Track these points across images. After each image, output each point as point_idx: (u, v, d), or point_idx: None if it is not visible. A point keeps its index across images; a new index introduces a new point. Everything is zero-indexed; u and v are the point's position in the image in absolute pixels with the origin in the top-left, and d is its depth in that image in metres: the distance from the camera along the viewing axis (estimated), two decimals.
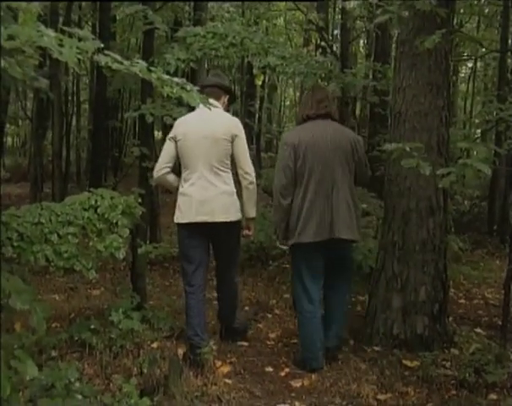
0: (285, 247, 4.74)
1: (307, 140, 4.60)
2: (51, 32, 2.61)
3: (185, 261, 4.86)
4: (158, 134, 17.87)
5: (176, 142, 4.80)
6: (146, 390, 3.88)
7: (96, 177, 12.15)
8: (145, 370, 4.12)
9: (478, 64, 18.90)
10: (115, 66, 2.79)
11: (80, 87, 18.22)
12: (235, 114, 10.44)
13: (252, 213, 4.95)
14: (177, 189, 4.88)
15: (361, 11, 12.86)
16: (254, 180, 4.92)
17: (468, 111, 19.64)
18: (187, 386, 4.05)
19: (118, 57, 2.82)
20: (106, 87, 12.19)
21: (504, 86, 10.39)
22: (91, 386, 3.81)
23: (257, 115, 21.54)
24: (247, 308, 6.11)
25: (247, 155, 4.89)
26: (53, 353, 4.40)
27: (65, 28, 2.99)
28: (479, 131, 13.24)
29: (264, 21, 16.64)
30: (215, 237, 4.82)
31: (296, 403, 4.05)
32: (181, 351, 4.71)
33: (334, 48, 11.96)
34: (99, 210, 4.36)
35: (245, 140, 4.89)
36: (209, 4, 13.98)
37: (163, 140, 16.71)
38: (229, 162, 4.81)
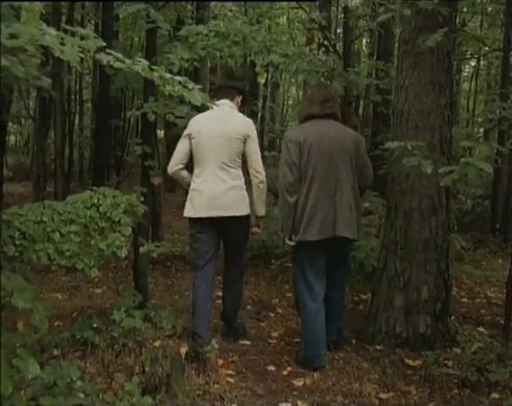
0: (292, 243, 4.71)
1: (312, 139, 4.62)
2: (52, 31, 2.60)
3: (195, 255, 4.95)
4: (160, 133, 17.89)
5: (190, 140, 4.95)
6: (148, 388, 3.89)
7: (99, 176, 12.15)
8: (147, 369, 4.13)
9: (481, 63, 18.89)
10: (117, 65, 2.79)
11: (83, 86, 18.21)
12: None
13: (261, 211, 5.11)
14: (189, 184, 5.00)
15: (363, 10, 12.85)
16: (265, 179, 5.02)
17: (471, 110, 19.61)
18: (189, 385, 4.05)
19: (120, 56, 2.82)
20: (108, 86, 12.19)
21: (507, 85, 10.38)
22: (93, 384, 3.81)
23: (260, 114, 21.51)
24: (249, 307, 6.11)
25: (259, 155, 5.02)
26: (55, 352, 4.41)
27: (67, 27, 2.99)
28: (482, 130, 13.23)
29: (267, 20, 16.60)
30: (224, 231, 4.94)
31: (299, 402, 4.05)
32: (183, 350, 4.70)
33: (337, 47, 11.95)
34: (101, 208, 4.35)
35: (257, 141, 5.03)
36: (212, 3, 14.00)
37: (165, 139, 16.72)
38: (240, 161, 4.94)
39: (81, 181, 16.02)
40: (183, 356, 4.52)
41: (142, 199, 4.70)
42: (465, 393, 4.21)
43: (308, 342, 4.72)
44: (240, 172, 4.96)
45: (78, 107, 17.43)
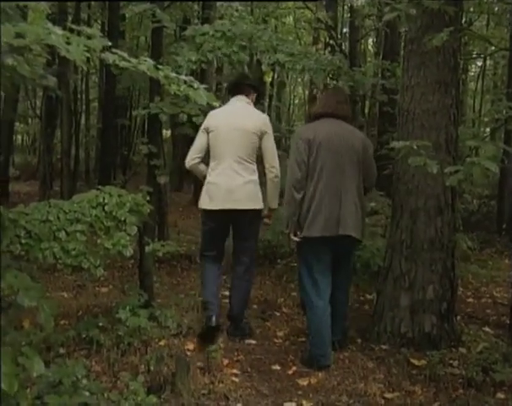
0: (296, 239, 4.73)
1: (322, 137, 4.67)
2: (58, 30, 2.61)
3: (206, 245, 5.30)
4: (166, 133, 17.90)
5: (208, 134, 5.15)
6: (153, 387, 3.89)
7: (105, 175, 12.17)
8: (152, 368, 4.13)
9: (488, 62, 18.86)
10: (122, 64, 2.80)
11: (89, 85, 18.23)
12: None
13: (274, 204, 5.35)
14: (205, 177, 5.19)
15: (369, 9, 12.84)
16: (279, 174, 5.20)
17: (477, 109, 19.58)
18: (195, 384, 4.05)
19: (126, 55, 2.82)
20: (115, 85, 12.20)
21: None
22: (98, 383, 3.82)
23: (266, 113, 21.53)
24: (255, 306, 6.10)
25: (275, 150, 5.22)
26: (61, 351, 4.41)
27: (73, 26, 3.00)
28: (488, 130, 13.20)
29: (273, 19, 16.61)
30: (237, 224, 5.16)
31: (304, 402, 4.04)
32: (188, 348, 4.72)
33: (343, 46, 11.95)
34: (107, 207, 4.36)
35: (272, 137, 5.22)
36: (218, 3, 13.97)
37: (172, 138, 16.70)
38: (255, 156, 5.16)
39: (87, 180, 16.05)
40: (190, 353, 4.53)
41: (148, 198, 4.70)
42: (470, 393, 4.20)
43: (315, 340, 4.71)
44: (255, 166, 5.17)
45: (84, 107, 17.46)
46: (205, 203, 5.11)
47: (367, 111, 16.09)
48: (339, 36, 13.93)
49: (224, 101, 5.54)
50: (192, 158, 5.22)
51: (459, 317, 5.56)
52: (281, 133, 24.47)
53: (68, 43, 2.62)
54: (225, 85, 12.95)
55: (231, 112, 5.17)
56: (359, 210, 4.70)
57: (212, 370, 4.34)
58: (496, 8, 14.46)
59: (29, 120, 21.23)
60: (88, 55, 2.74)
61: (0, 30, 2.47)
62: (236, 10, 15.09)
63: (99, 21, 16.39)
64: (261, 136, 5.11)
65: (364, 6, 12.36)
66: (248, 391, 4.17)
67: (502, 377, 4.27)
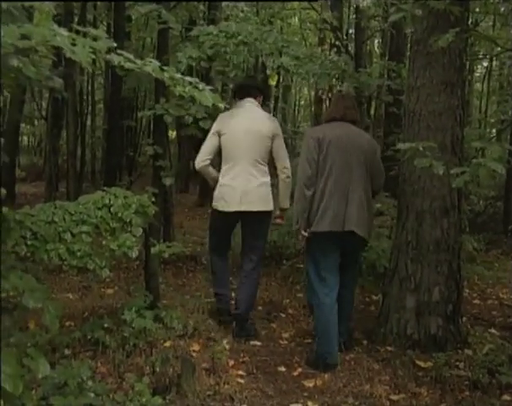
0: (306, 234, 4.78)
1: (331, 136, 4.77)
2: (64, 31, 2.61)
3: (216, 243, 5.55)
4: (172, 134, 17.88)
5: (219, 137, 5.27)
6: (158, 389, 3.89)
7: (111, 176, 12.18)
8: (158, 369, 4.13)
9: (493, 63, 18.80)
10: (127, 65, 2.79)
11: (95, 87, 18.25)
12: None
13: (286, 204, 5.49)
14: (217, 180, 5.34)
15: (375, 10, 12.83)
16: (291, 175, 5.39)
17: (483, 110, 19.53)
18: (200, 386, 4.05)
19: (131, 57, 2.82)
20: (120, 87, 12.21)
21: None
22: (104, 384, 3.82)
23: (271, 114, 21.51)
24: (260, 307, 6.09)
25: (286, 151, 5.42)
26: (66, 352, 4.41)
27: (79, 27, 3.00)
28: (494, 131, 13.17)
29: (279, 21, 16.61)
30: (249, 223, 5.31)
31: (309, 403, 4.04)
32: (194, 349, 4.71)
33: (349, 48, 11.93)
34: (112, 209, 4.35)
35: (283, 138, 5.44)
36: (224, 3, 13.99)
37: (177, 139, 16.70)
38: (267, 158, 5.31)
39: (93, 181, 16.06)
40: (194, 354, 4.52)
41: (153, 199, 4.70)
42: (476, 395, 4.20)
43: (322, 339, 4.72)
44: (267, 169, 5.33)
45: (90, 108, 17.46)
46: (221, 205, 5.25)
47: (372, 112, 16.07)
48: (345, 37, 13.92)
49: (229, 103, 5.54)
50: (202, 160, 5.32)
51: (465, 319, 5.54)
52: (287, 134, 24.48)
53: (74, 44, 2.63)
54: (230, 86, 12.93)
55: (243, 115, 5.27)
56: (365, 208, 4.75)
57: (217, 372, 4.34)
58: (502, 9, 14.42)
59: (35, 121, 21.27)
60: (93, 56, 2.74)
61: (0, 30, 2.47)
62: (242, 11, 15.13)
63: (105, 22, 16.40)
64: (273, 138, 5.27)
65: (370, 7, 12.35)
66: (254, 392, 4.17)
67: (508, 379, 4.26)
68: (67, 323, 5.14)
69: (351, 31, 18.29)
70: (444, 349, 4.85)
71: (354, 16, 15.16)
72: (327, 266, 4.80)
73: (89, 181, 15.75)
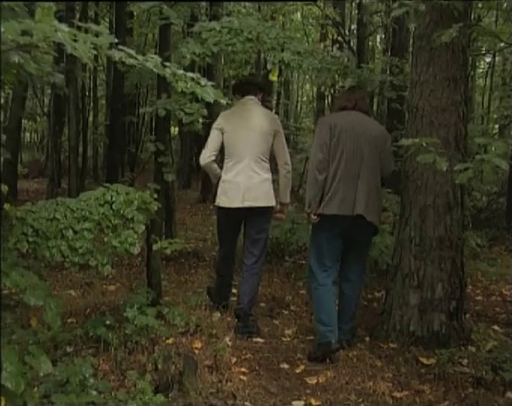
0: (316, 218, 4.88)
1: (343, 123, 4.89)
2: (65, 27, 2.60)
3: (223, 236, 5.67)
4: (174, 130, 17.89)
5: (223, 133, 5.37)
6: (161, 386, 3.87)
7: (113, 172, 12.19)
8: (160, 367, 4.11)
9: (496, 59, 18.75)
10: (129, 61, 2.78)
11: (97, 83, 18.25)
12: None
13: (287, 199, 5.65)
14: (219, 176, 5.45)
15: (377, 6, 12.79)
16: (291, 171, 5.56)
17: (486, 106, 19.48)
18: (202, 383, 4.03)
19: (132, 53, 2.81)
20: (122, 83, 12.21)
21: None
22: (106, 382, 3.81)
23: (273, 111, 21.48)
24: (263, 304, 6.08)
25: (286, 148, 5.54)
26: (68, 349, 4.39)
27: (80, 23, 2.99)
28: (497, 126, 13.14)
29: (281, 17, 16.58)
30: (252, 219, 5.40)
31: (312, 400, 4.03)
32: (196, 346, 4.70)
33: (351, 43, 11.90)
34: (114, 205, 4.34)
35: (283, 135, 5.54)
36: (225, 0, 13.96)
37: (179, 136, 16.70)
38: (269, 154, 5.42)
39: (96, 178, 16.07)
40: (196, 352, 4.51)
41: (155, 196, 4.69)
42: (479, 392, 4.17)
43: (321, 317, 4.84)
44: (268, 165, 5.43)
45: (92, 104, 17.48)
46: (223, 201, 5.35)
47: (375, 108, 16.03)
48: (347, 33, 13.89)
49: (231, 99, 5.57)
50: (207, 157, 5.42)
51: (468, 315, 5.53)
52: (289, 130, 24.45)
53: (75, 40, 2.61)
54: (232, 82, 12.93)
55: (244, 112, 5.37)
56: (374, 195, 4.87)
57: (220, 369, 4.32)
58: (505, 5, 14.37)
59: (38, 118, 21.28)
60: (94, 52, 2.73)
61: (0, 30, 2.46)
62: (244, 7, 15.10)
63: (106, 18, 16.40)
64: (274, 135, 5.39)
65: (373, 2, 12.31)
66: (256, 389, 4.15)
67: (511, 376, 4.24)
68: (69, 320, 5.13)
69: (353, 27, 18.26)
70: (448, 346, 4.83)
71: (356, 12, 15.13)
72: (328, 252, 4.93)
73: (91, 177, 15.76)
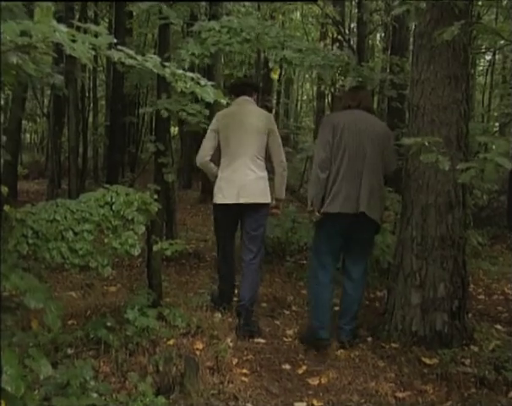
0: (319, 215, 4.98)
1: (346, 122, 4.97)
2: (63, 28, 2.58)
3: (221, 234, 5.76)
4: (174, 130, 17.87)
5: (218, 134, 5.47)
6: (162, 388, 3.85)
7: (113, 173, 12.18)
8: (161, 368, 4.08)
9: (496, 56, 18.71)
10: (128, 61, 2.76)
11: (97, 83, 18.23)
12: None
13: (282, 195, 5.75)
14: (216, 175, 5.56)
15: (377, 4, 12.76)
16: (286, 168, 5.66)
17: (486, 104, 19.45)
18: (204, 384, 4.01)
19: (131, 53, 2.79)
20: (122, 83, 12.20)
21: None
22: (107, 384, 3.79)
23: (274, 110, 21.46)
24: (264, 304, 6.06)
25: (281, 146, 5.64)
26: (69, 351, 4.36)
27: (79, 23, 2.97)
28: (497, 124, 13.10)
29: (280, 15, 16.55)
30: (248, 215, 5.47)
31: (314, 401, 4.01)
32: (197, 348, 4.68)
33: (351, 42, 11.88)
34: (114, 206, 4.32)
35: (278, 133, 5.63)
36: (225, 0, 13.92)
37: (179, 136, 16.68)
38: (264, 152, 5.51)
39: (96, 178, 16.05)
40: (197, 353, 4.49)
41: (156, 196, 4.66)
42: (482, 392, 4.15)
43: (317, 313, 4.97)
44: (264, 163, 5.53)
45: (92, 105, 17.45)
46: (219, 198, 5.46)
47: (375, 106, 16.01)
48: (346, 31, 13.87)
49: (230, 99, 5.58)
50: (203, 156, 5.56)
51: (470, 315, 5.50)
52: (290, 129, 24.43)
53: (73, 41, 2.60)
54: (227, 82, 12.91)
55: (239, 112, 5.46)
56: (377, 193, 4.93)
57: (221, 370, 4.30)
58: (504, 2, 14.34)
59: (37, 119, 21.27)
60: (93, 53, 2.71)
61: (0, 30, 2.44)
62: (244, 6, 15.08)
63: (106, 19, 16.38)
64: (269, 134, 5.47)
65: (373, 1, 12.28)
66: (258, 391, 4.13)
67: None
68: (69, 322, 5.10)
69: (352, 25, 18.24)
70: (450, 346, 4.81)
71: (356, 10, 15.10)
72: (329, 249, 5.04)
73: (91, 178, 15.74)
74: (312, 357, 4.80)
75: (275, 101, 22.16)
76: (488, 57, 20.06)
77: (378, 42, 21.82)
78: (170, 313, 5.06)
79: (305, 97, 31.97)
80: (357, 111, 5.08)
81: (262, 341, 5.09)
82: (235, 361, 4.54)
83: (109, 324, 4.63)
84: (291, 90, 28.75)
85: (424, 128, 4.93)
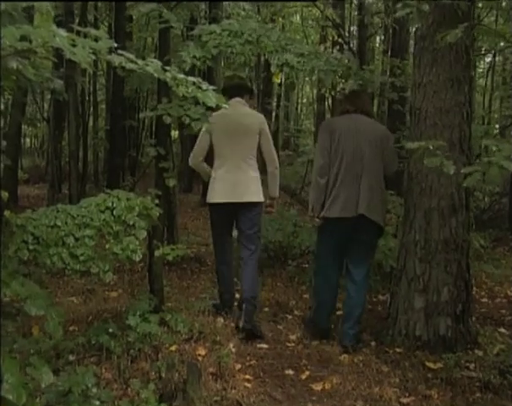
0: (319, 221, 5.11)
1: (343, 127, 5.07)
2: (63, 32, 2.55)
3: (217, 234, 5.80)
4: (174, 134, 17.84)
5: (211, 134, 5.56)
6: (164, 395, 3.81)
7: (114, 177, 12.15)
8: (164, 375, 4.05)
9: (496, 58, 18.68)
10: (129, 66, 2.74)
11: (97, 87, 18.21)
12: None
13: (276, 193, 5.86)
14: (209, 175, 5.68)
15: (377, 6, 12.75)
16: (278, 166, 5.79)
17: (486, 106, 19.41)
18: (207, 391, 3.97)
19: (132, 57, 2.76)
20: (122, 87, 12.17)
21: None
22: (109, 391, 3.75)
23: (274, 113, 21.44)
24: (266, 309, 6.02)
25: (272, 145, 5.79)
26: (70, 358, 4.32)
27: (79, 28, 2.94)
28: (497, 126, 13.08)
29: (280, 19, 16.53)
30: (243, 214, 5.56)
31: None
32: (200, 353, 4.65)
33: (352, 45, 11.85)
34: (115, 212, 4.29)
35: (269, 133, 5.78)
36: (225, 2, 13.92)
37: (179, 139, 16.67)
38: (256, 152, 5.64)
39: (96, 182, 16.02)
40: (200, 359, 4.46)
41: (157, 201, 4.63)
42: (487, 397, 4.14)
43: (317, 312, 5.28)
44: (256, 164, 5.64)
45: (92, 109, 17.43)
46: (212, 197, 5.58)
47: (375, 109, 15.98)
48: (347, 34, 13.85)
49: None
50: (196, 157, 5.76)
51: (473, 318, 5.47)
52: (290, 132, 24.40)
53: (74, 45, 2.57)
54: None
55: (232, 114, 5.48)
56: (377, 195, 4.99)
57: (224, 376, 4.27)
58: (503, 4, 14.31)
59: (38, 123, 21.25)
60: (93, 57, 2.68)
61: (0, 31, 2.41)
62: (244, 9, 15.06)
63: (105, 23, 16.37)
64: (260, 134, 5.61)
65: (374, 3, 12.27)
66: (262, 397, 4.09)
67: None
68: (71, 328, 5.07)
69: (352, 28, 18.22)
70: (454, 350, 4.78)
71: (356, 13, 15.08)
72: (331, 252, 5.16)
73: (92, 182, 15.71)
74: (315, 362, 4.77)
75: (275, 104, 22.14)
76: (488, 59, 20.03)
77: (377, 45, 21.82)
78: (172, 318, 5.03)
79: (305, 100, 31.97)
80: (356, 115, 5.16)
81: (265, 346, 5.05)
82: (238, 367, 4.50)
83: (111, 330, 4.60)
84: (292, 93, 28.73)
85: (427, 132, 4.91)
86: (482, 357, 4.70)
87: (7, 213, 3.94)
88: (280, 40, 5.58)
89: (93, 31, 2.76)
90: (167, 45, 6.00)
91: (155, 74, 2.85)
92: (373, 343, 5.11)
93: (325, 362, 4.75)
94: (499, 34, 5.26)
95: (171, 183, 5.40)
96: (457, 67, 4.88)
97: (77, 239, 4.11)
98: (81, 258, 4.07)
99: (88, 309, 5.68)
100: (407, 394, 4.18)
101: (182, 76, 2.93)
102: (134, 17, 13.95)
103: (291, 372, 4.56)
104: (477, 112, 18.19)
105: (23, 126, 16.15)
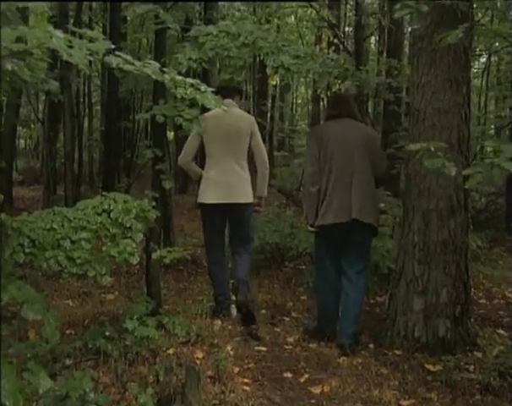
0: (313, 230, 5.19)
1: (330, 133, 5.12)
2: (60, 33, 2.52)
3: (209, 235, 5.84)
4: (170, 135, 17.80)
5: (202, 135, 5.59)
6: (163, 399, 3.77)
7: (109, 178, 12.10)
8: (162, 379, 4.01)
9: (491, 59, 18.69)
10: (126, 67, 2.71)
11: (92, 88, 18.16)
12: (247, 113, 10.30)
13: (264, 193, 5.99)
14: (200, 175, 5.78)
15: (373, 7, 12.74)
16: (268, 166, 5.94)
17: (482, 106, 19.42)
18: (205, 394, 3.94)
19: (130, 59, 2.74)
20: (117, 88, 12.13)
21: None
22: (106, 395, 3.70)
23: (269, 114, 21.39)
24: (264, 311, 5.99)
25: (263, 146, 5.92)
26: (67, 362, 4.27)
27: (75, 29, 2.91)
28: (492, 126, 13.09)
29: (276, 19, 16.50)
30: (234, 215, 5.70)
31: None
32: (198, 356, 4.61)
33: (347, 45, 11.83)
34: (112, 214, 4.26)
35: (259, 134, 5.89)
36: (220, 3, 13.90)
37: (175, 140, 16.63)
38: (246, 153, 5.74)
39: (92, 184, 15.98)
40: (198, 362, 4.43)
41: (154, 203, 4.60)
42: (487, 399, 4.11)
43: (321, 318, 5.27)
44: (247, 165, 5.76)
45: (87, 110, 17.38)
46: (204, 198, 5.65)
47: (371, 110, 15.97)
48: (342, 35, 13.83)
49: None
50: (185, 157, 5.83)
51: (472, 320, 5.45)
52: (285, 133, 24.37)
53: (70, 47, 2.54)
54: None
55: (223, 115, 5.47)
56: (369, 197, 5.02)
57: (222, 379, 4.24)
58: (498, 4, 14.31)
59: (32, 124, 21.19)
60: (90, 58, 2.66)
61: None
62: (238, 10, 15.04)
63: (100, 23, 16.32)
64: (251, 135, 5.73)
65: (370, 3, 12.26)
66: (260, 400, 4.06)
67: None
68: (67, 331, 5.03)
69: (347, 29, 18.22)
70: (453, 352, 4.76)
71: (351, 14, 15.09)
72: (328, 255, 5.18)
73: (87, 184, 15.67)
74: (314, 365, 4.73)
75: (269, 105, 22.10)
76: (483, 60, 20.04)
77: (372, 45, 21.82)
78: (169, 321, 5.00)
79: (300, 101, 31.97)
80: (341, 119, 5.21)
81: (263, 348, 5.02)
82: (236, 370, 4.47)
83: (108, 333, 4.55)
84: (287, 95, 28.69)
85: (425, 133, 4.88)
86: (482, 359, 4.68)
87: (2, 215, 3.90)
88: (276, 41, 5.55)
89: (89, 32, 2.73)
90: (163, 46, 5.96)
91: (154, 76, 2.82)
92: (371, 345, 5.08)
93: (324, 365, 4.72)
94: (498, 34, 5.23)
95: (168, 185, 5.36)
96: (455, 67, 4.86)
97: (73, 242, 4.08)
98: (78, 261, 4.03)
99: (84, 312, 5.64)
100: (407, 397, 4.15)
101: (180, 78, 2.91)
102: (129, 18, 13.89)
103: (289, 375, 4.53)
104: (473, 113, 18.19)
105: (17, 127, 16.10)
